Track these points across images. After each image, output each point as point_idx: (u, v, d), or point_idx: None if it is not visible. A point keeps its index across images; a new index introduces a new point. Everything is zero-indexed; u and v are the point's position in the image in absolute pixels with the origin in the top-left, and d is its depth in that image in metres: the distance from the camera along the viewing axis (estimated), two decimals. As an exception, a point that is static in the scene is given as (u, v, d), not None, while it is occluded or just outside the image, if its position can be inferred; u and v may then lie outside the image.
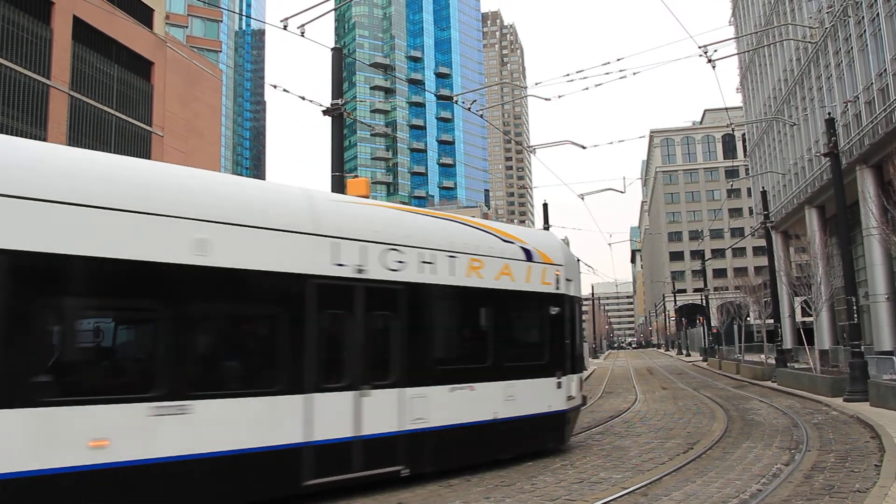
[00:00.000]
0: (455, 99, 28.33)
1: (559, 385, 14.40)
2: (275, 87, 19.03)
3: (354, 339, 10.93)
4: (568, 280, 15.04)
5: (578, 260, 17.96)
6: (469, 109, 22.96)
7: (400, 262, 11.57)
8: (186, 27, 78.14)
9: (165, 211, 8.84)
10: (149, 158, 40.95)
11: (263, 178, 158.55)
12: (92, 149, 37.07)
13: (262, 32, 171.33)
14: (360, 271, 10.91)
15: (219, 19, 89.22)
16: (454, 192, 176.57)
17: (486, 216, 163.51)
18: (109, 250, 8.29)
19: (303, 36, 16.59)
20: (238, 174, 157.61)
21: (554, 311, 14.40)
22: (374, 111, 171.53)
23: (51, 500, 7.61)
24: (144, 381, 8.77)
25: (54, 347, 8.26)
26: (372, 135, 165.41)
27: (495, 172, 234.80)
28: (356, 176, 18.51)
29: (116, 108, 39.31)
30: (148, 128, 41.65)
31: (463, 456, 12.44)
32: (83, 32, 36.78)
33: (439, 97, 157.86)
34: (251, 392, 9.60)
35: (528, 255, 14.16)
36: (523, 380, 13.61)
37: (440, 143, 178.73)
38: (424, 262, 11.97)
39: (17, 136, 33.20)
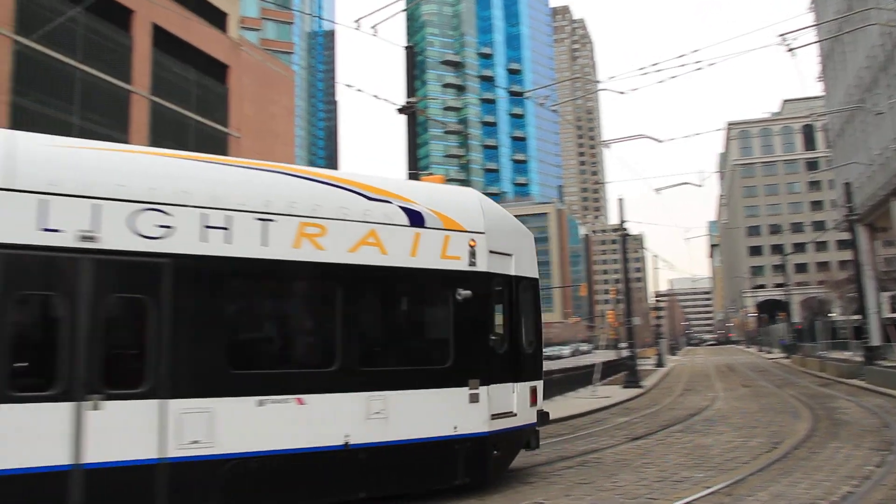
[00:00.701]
0: (527, 95, 28.11)
1: (474, 398, 10.31)
2: (349, 86, 19.28)
3: (75, 331, 7.84)
4: (500, 254, 11.06)
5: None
6: (542, 105, 22.80)
7: (164, 226, 8.39)
8: (260, 30, 79.70)
9: None
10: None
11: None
12: (171, 152, 38.50)
13: (332, 33, 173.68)
14: (86, 239, 7.93)
15: (291, 21, 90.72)
16: (528, 188, 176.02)
17: (560, 213, 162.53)
18: None
19: (375, 35, 16.73)
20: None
21: (463, 295, 10.35)
22: (445, 108, 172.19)
23: None
24: None
25: None
26: (445, 132, 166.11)
27: (569, 168, 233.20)
28: (430, 174, 18.56)
29: (195, 111, 40.27)
30: (225, 130, 42.55)
31: (285, 499, 8.83)
32: (161, 39, 37.77)
33: (511, 93, 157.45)
34: None
35: (416, 219, 10.23)
36: (403, 390, 9.78)
37: (513, 139, 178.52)
38: (210, 228, 8.62)
39: (97, 138, 34.42)
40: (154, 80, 37.47)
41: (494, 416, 10.58)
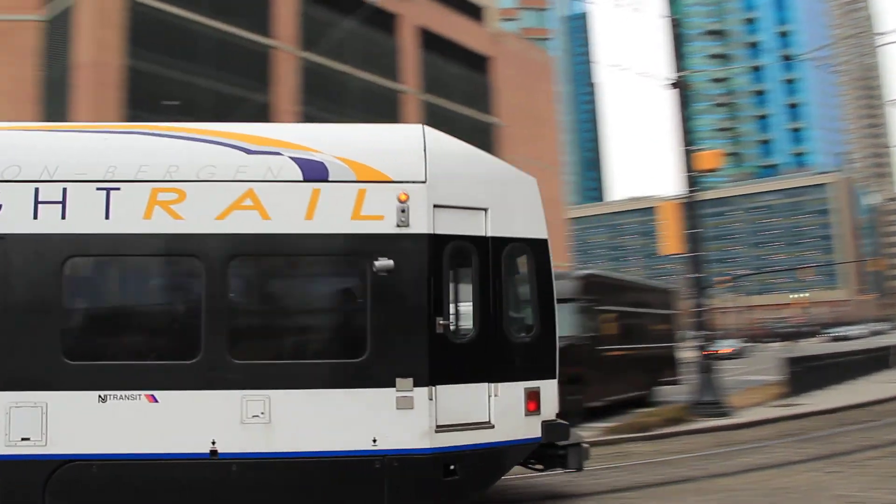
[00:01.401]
0: (802, 57, 25.88)
1: (405, 402, 7.71)
2: (612, 66, 19.02)
3: None
4: (461, 208, 8.23)
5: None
6: (821, 66, 20.79)
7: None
8: (518, 19, 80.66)
9: None
10: (491, 151, 42.76)
11: (603, 162, 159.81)
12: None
13: (586, 15, 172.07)
14: None
15: (547, 7, 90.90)
16: (807, 157, 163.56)
17: (845, 182, 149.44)
18: None
19: (636, 10, 16.03)
20: (582, 160, 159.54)
21: (381, 266, 7.65)
22: (711, 81, 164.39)
23: None
24: None
25: None
26: (714, 105, 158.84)
27: (852, 133, 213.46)
28: (700, 149, 17.47)
29: (462, 104, 41.47)
30: (491, 120, 43.39)
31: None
32: (426, 39, 39.31)
33: (784, 58, 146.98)
34: None
35: (314, 172, 7.92)
36: (293, 389, 7.69)
37: (787, 106, 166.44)
38: (44, 203, 7.59)
39: None
40: (423, 78, 39.07)
41: (447, 428, 7.79)
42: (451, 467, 7.75)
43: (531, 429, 8.17)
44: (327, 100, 34.49)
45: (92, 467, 7.37)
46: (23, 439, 7.28)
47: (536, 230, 8.53)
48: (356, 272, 7.84)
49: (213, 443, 7.42)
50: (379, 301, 7.74)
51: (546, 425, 8.21)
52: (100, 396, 7.40)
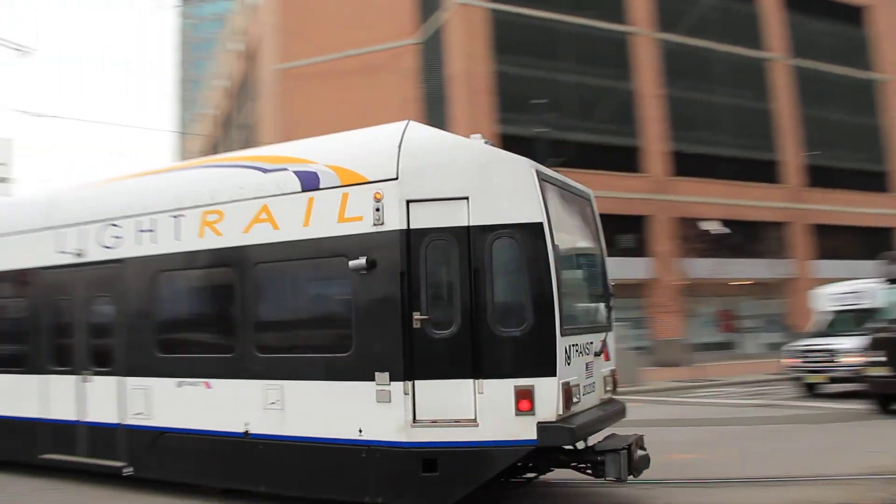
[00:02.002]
0: None
1: (382, 396, 7.86)
2: None
3: (75, 324, 10.70)
4: (438, 200, 7.94)
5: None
6: None
7: (116, 237, 10.14)
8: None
9: None
10: (874, 109, 38.76)
11: None
12: (821, 114, 37.12)
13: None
14: (79, 255, 10.52)
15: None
16: None
17: None
18: None
19: None
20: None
21: (356, 265, 7.96)
22: None
23: None
24: None
25: None
26: None
27: None
28: None
29: (838, 63, 38.04)
30: (873, 76, 39.22)
31: (206, 471, 9.23)
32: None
33: None
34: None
35: (310, 182, 8.53)
36: (299, 380, 8.45)
37: None
38: (142, 231, 9.85)
39: (742, 112, 35.44)
40: (788, 42, 36.49)
41: (425, 423, 7.71)
42: (431, 464, 7.65)
43: (523, 430, 7.48)
44: (691, 79, 33.59)
45: (175, 438, 9.29)
46: (137, 413, 9.63)
47: (528, 214, 7.76)
48: (343, 272, 8.10)
49: (247, 424, 8.68)
50: (360, 298, 8.12)
51: (543, 427, 7.40)
52: (178, 382, 9.30)
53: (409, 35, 35.80)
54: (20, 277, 11.40)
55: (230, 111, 55.08)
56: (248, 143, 44.78)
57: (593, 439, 8.08)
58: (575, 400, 7.68)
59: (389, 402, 7.79)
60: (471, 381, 7.62)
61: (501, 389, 7.55)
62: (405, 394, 7.70)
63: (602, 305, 9.24)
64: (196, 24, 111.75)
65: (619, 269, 31.38)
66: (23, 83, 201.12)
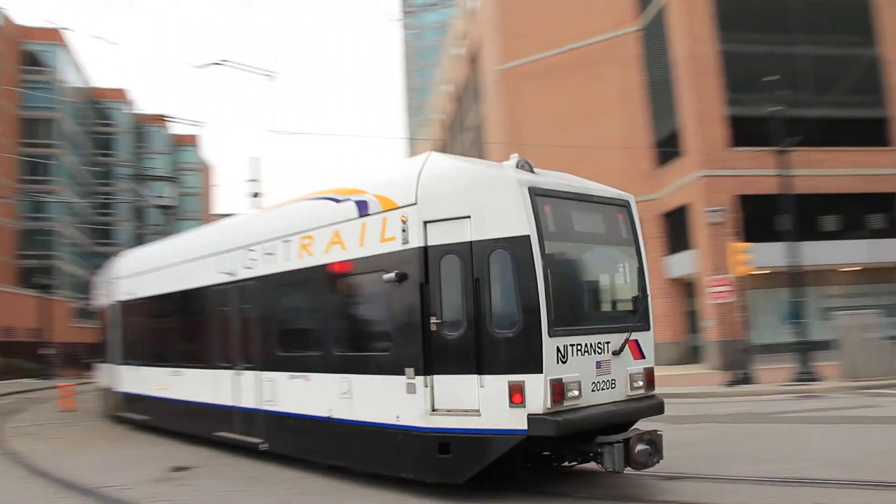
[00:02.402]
0: None
1: (410, 388, 9.32)
2: None
3: (233, 328, 13.35)
4: (448, 220, 9.19)
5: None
6: None
7: (253, 259, 12.68)
8: None
9: None
10: None
11: None
12: None
13: None
14: (231, 275, 13.32)
15: None
16: None
17: None
18: None
19: None
20: None
21: (389, 278, 9.52)
22: None
23: None
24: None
25: None
26: None
27: None
28: None
29: None
30: None
31: (309, 449, 11.38)
32: None
33: None
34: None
35: (363, 209, 10.31)
36: (360, 375, 10.27)
37: None
38: (268, 254, 12.26)
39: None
40: None
41: (442, 412, 9.06)
42: (446, 447, 8.89)
43: (516, 420, 8.44)
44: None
45: (290, 420, 11.51)
46: (268, 400, 12.04)
47: (517, 228, 8.69)
48: (383, 283, 9.61)
49: (330, 410, 10.57)
50: (393, 305, 9.72)
51: (532, 419, 8.33)
52: (290, 375, 11.54)
53: (629, 23, 35.46)
54: (201, 293, 14.54)
55: (456, 115, 57.08)
56: (476, 144, 46.28)
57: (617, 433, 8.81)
58: (572, 395, 8.45)
59: (415, 393, 9.21)
60: (475, 376, 8.77)
61: (498, 384, 8.63)
62: (425, 386, 9.09)
63: (630, 306, 9.77)
64: (418, 33, 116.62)
65: (868, 252, 29.38)
66: (268, 104, 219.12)
